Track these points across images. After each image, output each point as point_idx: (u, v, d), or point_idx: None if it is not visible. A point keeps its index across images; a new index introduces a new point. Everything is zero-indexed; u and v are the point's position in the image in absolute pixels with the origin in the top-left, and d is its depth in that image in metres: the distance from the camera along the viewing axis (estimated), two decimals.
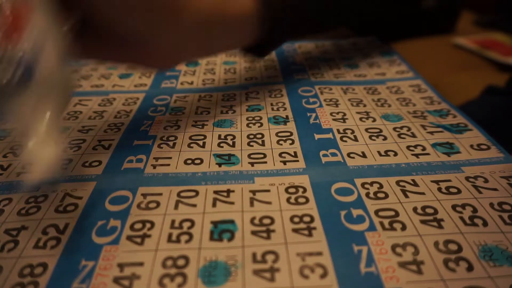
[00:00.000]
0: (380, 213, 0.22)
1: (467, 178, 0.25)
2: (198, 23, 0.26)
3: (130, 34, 0.24)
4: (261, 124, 0.31)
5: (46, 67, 0.17)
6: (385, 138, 0.29)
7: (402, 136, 0.29)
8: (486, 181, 0.24)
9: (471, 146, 0.28)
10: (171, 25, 0.25)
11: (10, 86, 0.16)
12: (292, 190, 0.24)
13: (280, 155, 0.27)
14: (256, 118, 0.32)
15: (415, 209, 0.22)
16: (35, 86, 0.16)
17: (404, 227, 0.21)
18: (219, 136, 0.30)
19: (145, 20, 0.23)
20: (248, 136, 0.30)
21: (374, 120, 0.32)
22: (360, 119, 0.32)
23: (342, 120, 0.32)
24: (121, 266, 0.19)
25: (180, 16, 0.25)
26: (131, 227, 0.21)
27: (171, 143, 0.29)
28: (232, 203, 0.23)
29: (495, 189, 0.24)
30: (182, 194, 0.24)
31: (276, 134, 0.30)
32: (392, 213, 0.22)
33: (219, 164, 0.27)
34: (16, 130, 0.16)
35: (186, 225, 0.21)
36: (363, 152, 0.28)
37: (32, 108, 0.17)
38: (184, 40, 0.26)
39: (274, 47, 0.36)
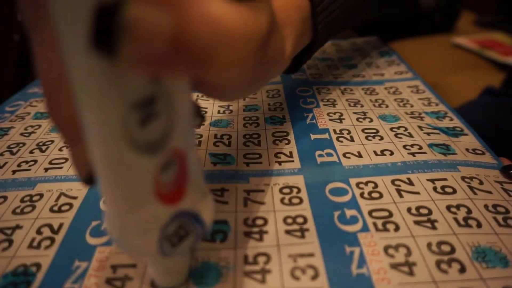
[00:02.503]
0: (374, 214, 0.22)
1: (463, 178, 0.25)
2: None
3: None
4: (258, 124, 0.31)
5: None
6: (381, 138, 0.29)
7: (399, 135, 0.29)
8: (481, 183, 0.24)
9: (467, 149, 0.28)
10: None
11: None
12: (286, 190, 0.24)
13: (275, 155, 0.27)
14: (253, 118, 0.32)
15: (409, 210, 0.22)
16: None
17: (397, 228, 0.21)
18: (215, 135, 0.30)
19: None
20: (244, 136, 0.30)
21: (371, 121, 0.32)
22: (357, 119, 0.32)
23: (338, 121, 0.32)
24: (114, 267, 0.19)
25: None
26: None
27: None
28: (226, 202, 0.23)
29: (490, 192, 0.24)
30: None
31: (273, 134, 0.30)
32: (386, 213, 0.22)
33: (214, 163, 0.27)
34: None
35: None
36: (359, 152, 0.27)
37: None
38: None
39: (313, 52, 0.30)
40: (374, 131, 0.30)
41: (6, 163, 0.28)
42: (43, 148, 0.29)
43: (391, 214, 0.22)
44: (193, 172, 0.15)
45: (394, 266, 0.19)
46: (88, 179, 0.15)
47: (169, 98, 0.13)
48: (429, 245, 0.20)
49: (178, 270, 0.18)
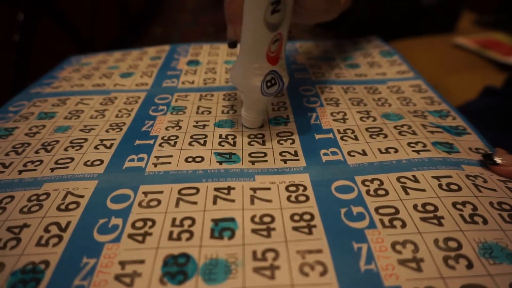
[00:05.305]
0: (380, 211, 0.22)
1: (467, 176, 0.25)
2: None
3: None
4: (262, 125, 0.31)
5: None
6: (385, 136, 0.29)
7: (403, 133, 0.29)
8: (485, 181, 0.24)
9: (470, 148, 0.28)
10: None
11: None
12: (292, 188, 0.24)
13: (280, 154, 0.28)
14: None
15: (415, 206, 0.22)
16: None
17: (404, 225, 0.21)
18: (220, 135, 0.30)
19: None
20: (249, 136, 0.30)
21: (375, 120, 0.32)
22: (361, 118, 0.32)
23: (342, 120, 0.32)
24: (122, 263, 0.19)
25: None
26: (133, 225, 0.22)
27: (172, 142, 0.29)
28: (232, 200, 0.23)
29: (494, 190, 0.24)
30: (183, 191, 0.24)
31: (277, 134, 0.30)
32: (392, 210, 0.22)
33: (220, 162, 0.27)
34: None
35: (187, 223, 0.22)
36: (363, 150, 0.28)
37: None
38: None
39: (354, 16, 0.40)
40: (378, 129, 0.30)
41: (12, 163, 0.28)
42: (48, 148, 0.29)
43: (397, 211, 0.22)
44: (283, 51, 0.27)
45: (402, 262, 0.19)
46: (233, 43, 0.28)
47: (286, 3, 0.24)
48: (436, 241, 0.20)
49: (263, 110, 0.30)
